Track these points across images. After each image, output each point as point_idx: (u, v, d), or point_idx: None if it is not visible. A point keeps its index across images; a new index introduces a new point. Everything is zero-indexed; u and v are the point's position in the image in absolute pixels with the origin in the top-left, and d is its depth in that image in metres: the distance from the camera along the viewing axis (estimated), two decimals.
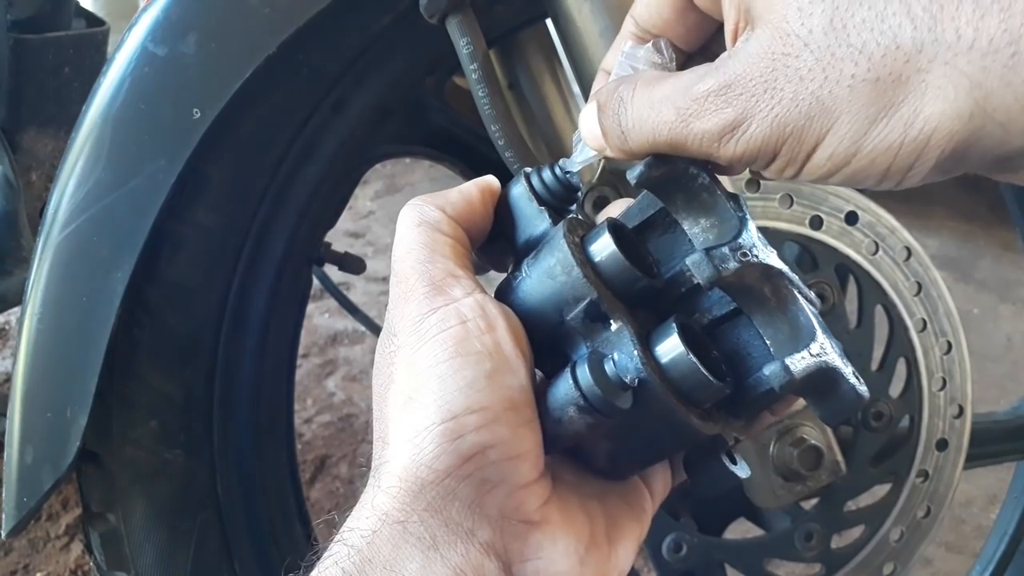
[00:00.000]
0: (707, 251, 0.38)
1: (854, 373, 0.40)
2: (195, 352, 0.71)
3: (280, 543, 0.76)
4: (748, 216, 0.40)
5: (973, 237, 2.56)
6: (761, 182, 0.67)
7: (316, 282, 1.03)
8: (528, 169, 0.45)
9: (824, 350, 0.38)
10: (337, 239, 0.99)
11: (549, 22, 0.66)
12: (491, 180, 0.46)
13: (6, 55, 1.19)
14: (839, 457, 0.65)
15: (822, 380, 0.38)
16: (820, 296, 0.69)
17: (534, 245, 0.43)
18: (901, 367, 0.73)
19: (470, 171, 0.79)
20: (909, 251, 0.71)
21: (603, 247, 0.40)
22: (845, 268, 0.70)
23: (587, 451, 0.42)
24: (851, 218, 0.69)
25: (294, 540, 0.78)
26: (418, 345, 0.40)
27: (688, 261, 0.38)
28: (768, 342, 0.40)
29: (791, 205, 0.68)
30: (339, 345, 2.02)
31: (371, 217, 2.61)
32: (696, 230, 0.41)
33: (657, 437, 0.40)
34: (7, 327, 1.98)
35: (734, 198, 0.41)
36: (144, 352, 0.69)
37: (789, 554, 0.73)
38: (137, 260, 0.64)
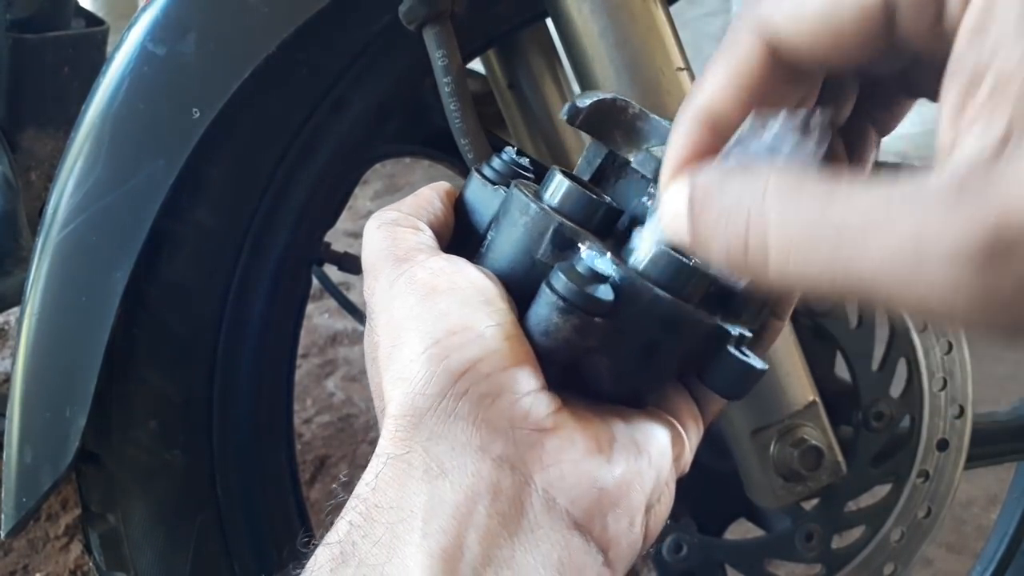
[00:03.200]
0: (648, 149, 0.38)
1: None
2: (195, 352, 0.71)
3: (280, 543, 0.75)
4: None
5: None
6: None
7: (316, 282, 1.03)
8: (478, 164, 0.45)
9: None
10: (337, 239, 0.99)
11: (549, 21, 0.65)
12: (443, 184, 0.46)
13: (5, 55, 1.19)
14: (839, 457, 0.65)
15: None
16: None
17: (493, 218, 0.43)
18: (902, 367, 0.73)
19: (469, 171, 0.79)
20: None
21: (556, 185, 0.40)
22: None
23: (588, 374, 0.40)
24: None
25: (294, 541, 0.78)
26: (391, 303, 0.39)
27: (634, 162, 0.38)
28: None
29: None
30: (339, 345, 2.02)
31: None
32: (642, 157, 0.41)
33: (654, 343, 0.38)
34: (6, 327, 1.97)
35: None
36: (143, 352, 0.69)
37: (789, 554, 0.73)
38: (136, 260, 0.64)
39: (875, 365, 0.73)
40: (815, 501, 0.73)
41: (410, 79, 0.72)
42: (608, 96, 0.41)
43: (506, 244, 0.41)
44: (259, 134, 0.68)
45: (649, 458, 0.39)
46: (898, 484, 0.74)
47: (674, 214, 0.32)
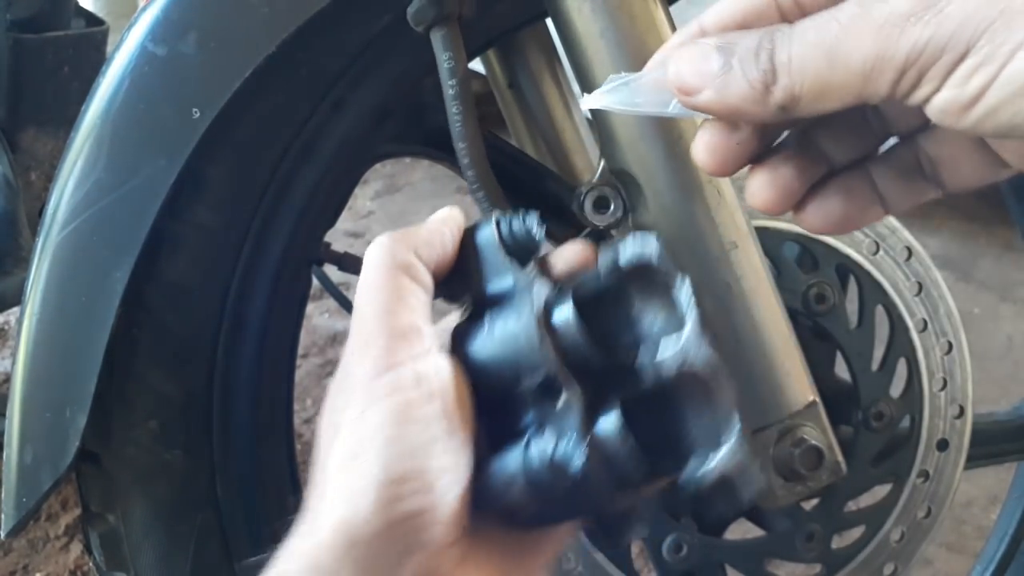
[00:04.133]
0: (654, 348, 0.40)
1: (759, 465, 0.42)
2: (195, 352, 0.71)
3: (280, 543, 0.75)
4: (694, 311, 0.41)
5: (974, 237, 2.56)
6: None
7: (316, 282, 1.03)
8: (499, 216, 0.45)
9: (740, 448, 0.41)
10: (337, 239, 0.99)
11: (549, 21, 0.65)
12: (456, 215, 0.46)
13: (5, 55, 1.19)
14: (840, 458, 0.65)
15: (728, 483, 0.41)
16: (821, 296, 0.69)
17: (497, 296, 0.43)
18: (902, 367, 0.73)
19: None
20: (910, 251, 0.71)
21: (566, 322, 0.41)
22: (845, 268, 0.70)
23: (512, 514, 0.43)
24: None
25: None
26: (368, 404, 0.40)
27: (640, 357, 0.40)
28: (692, 433, 0.42)
29: None
30: (339, 345, 2.02)
31: (371, 217, 2.61)
32: (647, 312, 0.43)
33: (581, 507, 0.42)
34: (6, 327, 1.97)
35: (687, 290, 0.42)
36: (143, 352, 0.69)
37: (789, 554, 0.73)
38: (136, 260, 0.64)
39: (875, 365, 0.73)
40: (815, 501, 0.73)
41: (410, 79, 0.72)
42: (653, 258, 0.41)
43: (498, 351, 0.42)
44: (259, 134, 0.68)
45: None
46: (898, 484, 0.74)
47: (693, 64, 0.37)
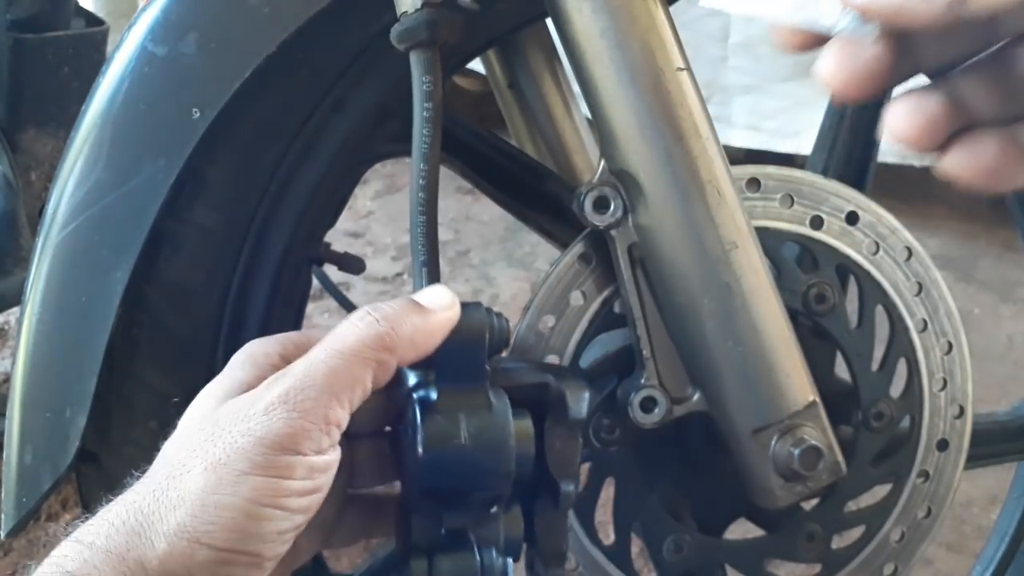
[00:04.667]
0: None
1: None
2: (194, 352, 0.71)
3: None
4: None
5: (974, 237, 2.56)
6: (762, 182, 0.67)
7: (316, 282, 1.03)
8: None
9: None
10: (337, 239, 0.99)
11: (549, 21, 0.65)
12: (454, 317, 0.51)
13: (5, 55, 1.19)
14: (840, 457, 0.65)
15: None
16: (821, 296, 0.69)
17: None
18: (902, 367, 0.73)
19: (469, 170, 0.79)
20: (910, 251, 0.71)
21: (527, 444, 0.47)
22: (845, 268, 0.70)
23: None
24: (852, 218, 0.69)
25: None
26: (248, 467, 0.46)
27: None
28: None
29: (792, 205, 0.68)
30: None
31: (371, 217, 2.61)
32: None
33: None
34: (6, 327, 1.98)
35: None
36: (143, 352, 0.69)
37: (789, 554, 0.73)
38: (136, 260, 0.64)
39: (875, 365, 0.73)
40: (815, 501, 0.73)
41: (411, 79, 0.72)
42: None
43: (464, 461, 0.47)
44: (260, 134, 0.68)
45: None
46: (898, 484, 0.74)
47: None
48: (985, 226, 2.58)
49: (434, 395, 0.47)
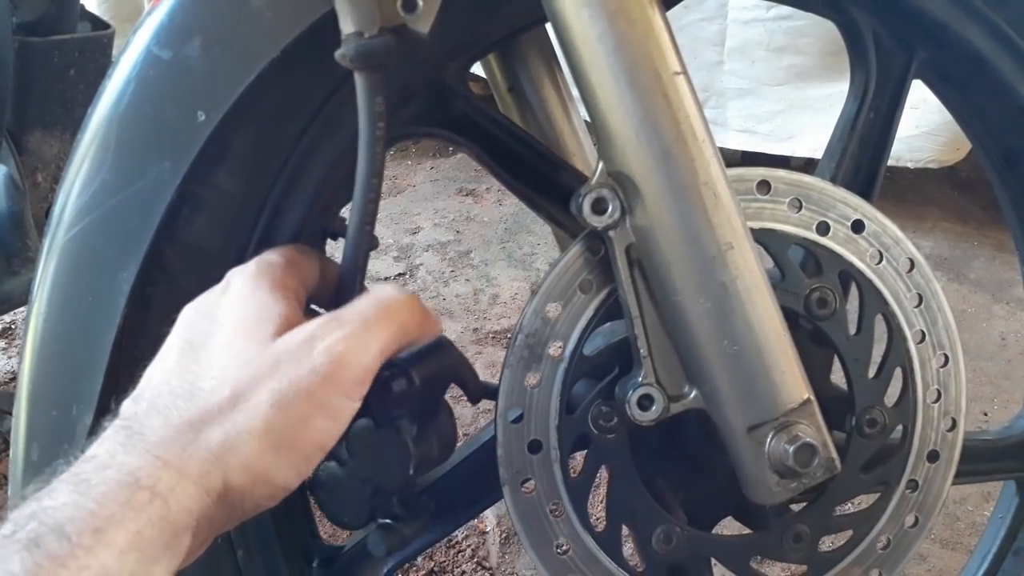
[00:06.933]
0: None
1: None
2: None
3: (283, 540, 0.76)
4: None
5: (967, 238, 2.57)
6: (772, 185, 0.68)
7: None
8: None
9: None
10: (338, 244, 1.00)
11: (549, 26, 0.66)
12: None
13: (12, 58, 1.20)
14: (834, 454, 0.65)
15: None
16: (822, 301, 0.69)
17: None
18: (897, 377, 0.73)
19: (486, 156, 0.79)
20: (912, 263, 0.71)
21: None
22: (848, 275, 0.71)
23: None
24: (858, 226, 0.70)
25: (299, 534, 0.79)
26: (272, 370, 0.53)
27: None
28: None
29: (800, 209, 0.69)
30: None
31: None
32: None
33: None
34: (13, 326, 1.98)
35: None
36: (156, 310, 0.68)
37: (777, 554, 0.73)
38: (142, 261, 0.64)
39: (871, 373, 0.74)
40: (803, 503, 0.73)
41: (433, 64, 0.72)
42: None
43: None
44: (285, 106, 0.68)
45: None
46: (887, 492, 0.74)
47: None
48: (978, 227, 2.59)
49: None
